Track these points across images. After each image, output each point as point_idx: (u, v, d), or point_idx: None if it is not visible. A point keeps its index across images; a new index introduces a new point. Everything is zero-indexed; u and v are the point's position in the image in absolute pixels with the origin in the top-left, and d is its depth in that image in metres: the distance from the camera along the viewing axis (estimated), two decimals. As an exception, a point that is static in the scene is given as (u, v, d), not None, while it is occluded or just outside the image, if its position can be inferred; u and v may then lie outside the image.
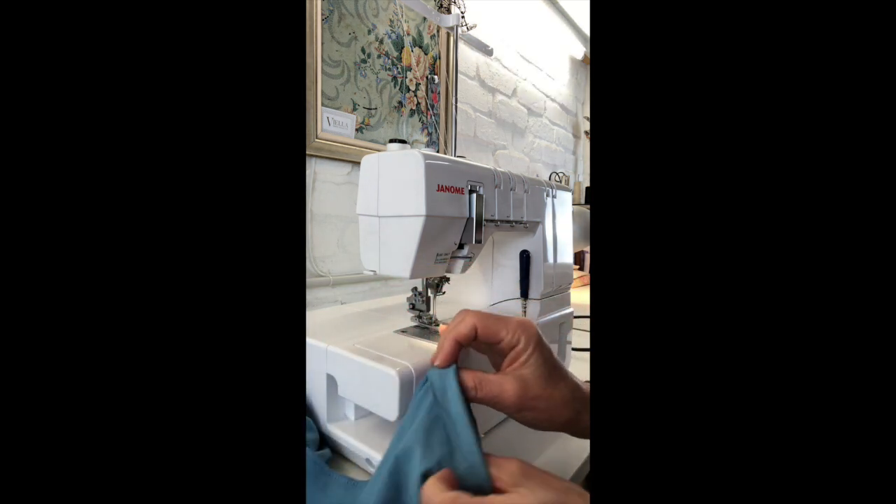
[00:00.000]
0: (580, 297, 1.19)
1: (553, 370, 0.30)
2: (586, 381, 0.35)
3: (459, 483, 0.25)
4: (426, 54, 1.04)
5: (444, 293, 0.48)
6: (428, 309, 0.47)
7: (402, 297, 0.60)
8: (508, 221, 0.48)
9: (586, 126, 2.03)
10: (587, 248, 1.40)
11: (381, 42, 0.91)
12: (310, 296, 0.79)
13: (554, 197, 0.58)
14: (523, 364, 0.30)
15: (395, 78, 0.95)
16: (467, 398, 0.29)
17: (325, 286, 0.81)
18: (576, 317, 0.66)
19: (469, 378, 0.29)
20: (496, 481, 0.25)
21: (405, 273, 0.39)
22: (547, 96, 1.68)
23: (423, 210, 0.37)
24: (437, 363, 0.30)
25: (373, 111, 0.90)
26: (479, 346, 0.32)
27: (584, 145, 2.07)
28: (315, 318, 0.52)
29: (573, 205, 0.68)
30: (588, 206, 1.14)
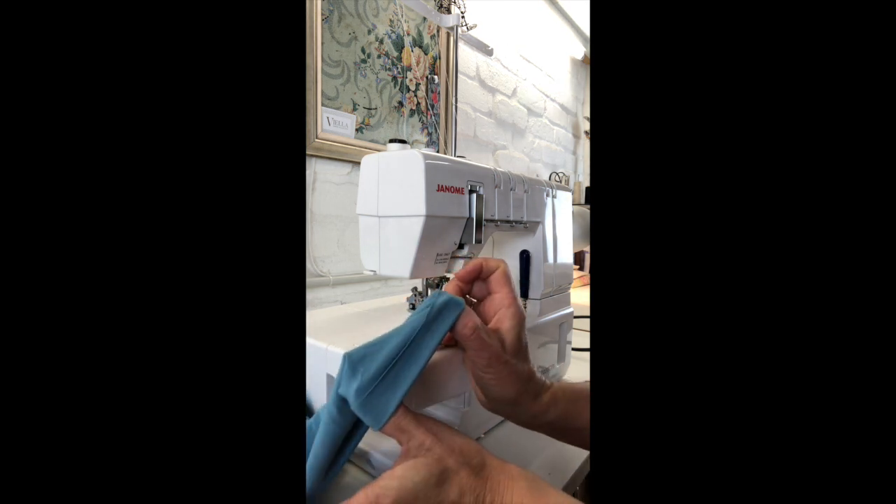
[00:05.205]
0: (580, 297, 1.19)
1: (523, 348, 0.33)
2: (586, 381, 0.35)
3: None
4: (426, 54, 1.04)
5: (443, 293, 0.48)
6: (428, 309, 0.47)
7: (402, 297, 0.60)
8: (508, 221, 0.48)
9: (586, 126, 2.03)
10: (587, 248, 1.40)
11: (381, 42, 0.91)
12: (310, 296, 0.79)
13: (554, 197, 0.58)
14: (504, 318, 0.32)
15: (395, 78, 0.95)
16: (459, 335, 0.30)
17: (325, 286, 0.81)
18: (576, 317, 0.66)
19: (470, 318, 0.30)
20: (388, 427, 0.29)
21: (405, 273, 0.39)
22: (547, 96, 1.68)
23: (423, 210, 0.37)
24: None
25: (373, 111, 0.90)
26: (472, 299, 0.35)
27: (584, 145, 2.07)
28: (315, 318, 0.52)
29: (573, 205, 0.68)
30: (588, 206, 1.14)
